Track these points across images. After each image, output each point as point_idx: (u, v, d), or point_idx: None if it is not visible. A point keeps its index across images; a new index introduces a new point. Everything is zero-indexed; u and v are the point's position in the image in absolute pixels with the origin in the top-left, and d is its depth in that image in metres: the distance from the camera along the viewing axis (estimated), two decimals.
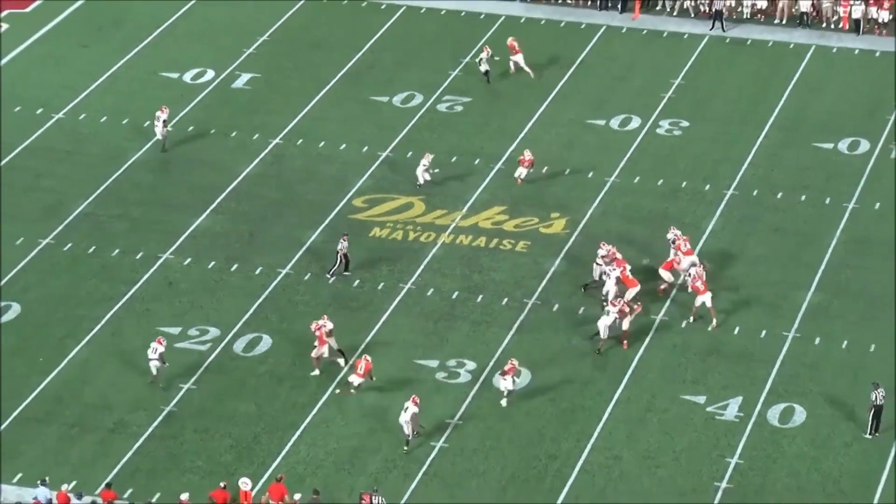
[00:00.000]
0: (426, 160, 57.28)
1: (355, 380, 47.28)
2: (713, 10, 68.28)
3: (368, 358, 47.49)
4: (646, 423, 47.30)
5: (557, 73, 65.28)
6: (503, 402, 47.88)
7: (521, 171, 57.15)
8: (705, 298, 49.90)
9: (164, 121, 58.51)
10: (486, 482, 44.96)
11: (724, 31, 67.63)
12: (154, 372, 47.20)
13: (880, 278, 53.32)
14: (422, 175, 57.02)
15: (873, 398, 46.14)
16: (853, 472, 45.43)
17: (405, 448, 45.76)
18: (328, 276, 52.80)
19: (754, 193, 57.66)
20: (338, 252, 52.84)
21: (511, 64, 64.14)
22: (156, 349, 46.93)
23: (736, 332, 50.94)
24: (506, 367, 47.52)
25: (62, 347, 50.09)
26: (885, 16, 67.23)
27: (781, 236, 55.08)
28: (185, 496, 42.29)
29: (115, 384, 48.58)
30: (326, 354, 47.92)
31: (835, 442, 46.55)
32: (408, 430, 45.74)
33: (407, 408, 45.60)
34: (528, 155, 56.89)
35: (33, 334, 50.76)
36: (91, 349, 50.15)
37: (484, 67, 63.19)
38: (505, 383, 47.60)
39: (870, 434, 46.38)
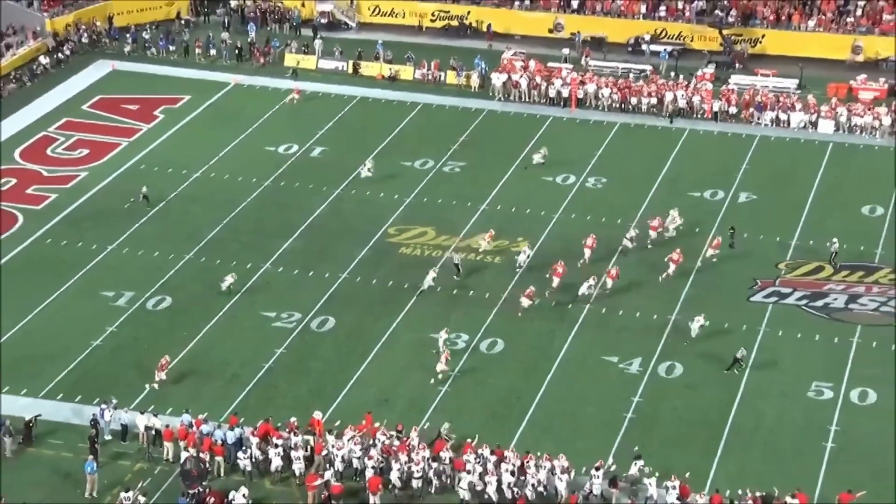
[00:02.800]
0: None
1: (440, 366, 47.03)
2: (624, 106, 68.46)
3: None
4: (580, 377, 47.41)
5: (521, 145, 64.97)
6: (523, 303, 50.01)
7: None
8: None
9: None
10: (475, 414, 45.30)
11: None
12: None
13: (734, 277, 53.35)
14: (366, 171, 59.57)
15: (739, 354, 46.90)
16: (715, 404, 45.58)
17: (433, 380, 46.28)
18: (456, 278, 53.04)
19: (616, 221, 57.31)
20: (456, 264, 53.23)
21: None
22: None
23: (637, 315, 50.83)
24: (526, 291, 49.42)
25: (201, 325, 50.43)
26: (733, 109, 67.43)
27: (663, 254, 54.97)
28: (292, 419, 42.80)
29: (234, 349, 48.91)
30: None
31: (702, 385, 46.72)
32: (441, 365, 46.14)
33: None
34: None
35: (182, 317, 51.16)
36: (220, 326, 50.47)
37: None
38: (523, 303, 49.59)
39: (727, 370, 46.84)
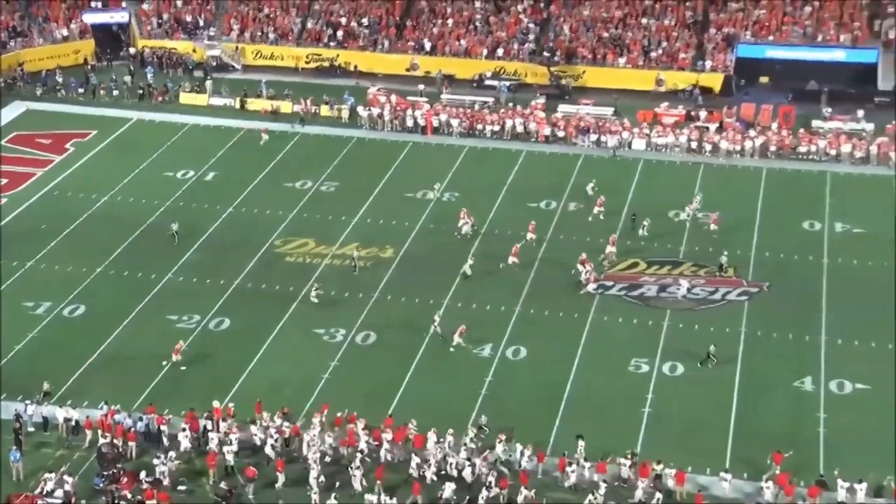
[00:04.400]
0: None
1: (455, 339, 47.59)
2: (471, 132, 68.96)
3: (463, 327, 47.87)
4: (441, 361, 47.40)
5: (386, 167, 64.91)
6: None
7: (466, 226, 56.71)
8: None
9: None
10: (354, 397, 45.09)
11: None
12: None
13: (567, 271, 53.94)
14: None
15: (711, 349, 46.51)
16: (554, 380, 46.03)
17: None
18: (355, 273, 53.08)
19: (496, 232, 57.75)
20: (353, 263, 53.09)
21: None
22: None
23: (488, 307, 51.05)
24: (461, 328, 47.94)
25: (113, 329, 49.47)
26: (561, 133, 68.31)
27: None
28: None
29: (143, 348, 47.88)
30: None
31: (543, 364, 47.16)
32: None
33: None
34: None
35: (95, 322, 49.95)
36: (130, 329, 49.36)
37: None
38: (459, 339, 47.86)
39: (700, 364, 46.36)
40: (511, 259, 53.93)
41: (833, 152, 65.38)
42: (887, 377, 45.50)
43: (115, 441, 41.18)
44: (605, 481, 39.12)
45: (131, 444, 41.52)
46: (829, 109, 70.26)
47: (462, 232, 56.78)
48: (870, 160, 64.78)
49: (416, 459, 40.25)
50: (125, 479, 39.41)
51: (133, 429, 41.80)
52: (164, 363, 46.31)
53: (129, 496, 38.87)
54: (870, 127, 67.85)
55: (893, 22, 75.23)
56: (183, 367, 46.34)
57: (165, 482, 39.53)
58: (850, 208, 59.48)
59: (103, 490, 39.41)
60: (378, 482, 39.16)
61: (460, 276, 52.53)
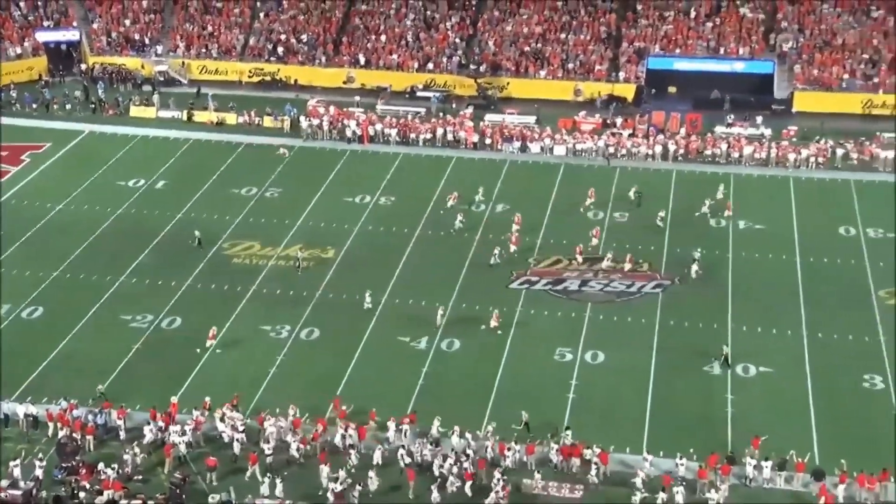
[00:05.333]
0: None
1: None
2: (405, 140, 68.82)
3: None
4: (380, 354, 47.02)
5: (326, 174, 64.45)
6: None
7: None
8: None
9: None
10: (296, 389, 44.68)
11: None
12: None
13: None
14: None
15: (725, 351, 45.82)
16: (486, 370, 45.94)
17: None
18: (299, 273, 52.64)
19: (429, 232, 57.52)
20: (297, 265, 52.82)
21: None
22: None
23: (423, 303, 50.96)
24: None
25: (71, 328, 48.38)
26: (488, 140, 68.20)
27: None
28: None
29: (100, 347, 46.97)
30: None
31: (475, 355, 47.18)
32: None
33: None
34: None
35: (54, 323, 49.01)
36: (87, 328, 48.40)
37: None
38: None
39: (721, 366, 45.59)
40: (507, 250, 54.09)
41: (736, 155, 66.38)
42: (787, 360, 46.30)
43: (73, 434, 40.46)
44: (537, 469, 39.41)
45: (89, 437, 40.88)
46: (731, 116, 71.45)
47: (457, 223, 56.65)
48: (769, 162, 65.86)
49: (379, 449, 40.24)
50: (84, 471, 38.88)
51: (91, 423, 41.14)
52: (198, 350, 46.33)
53: (88, 486, 38.23)
54: (768, 132, 69.14)
55: (787, 36, 76.64)
56: (218, 351, 46.32)
57: (126, 471, 38.91)
58: (752, 206, 60.38)
59: (63, 481, 38.77)
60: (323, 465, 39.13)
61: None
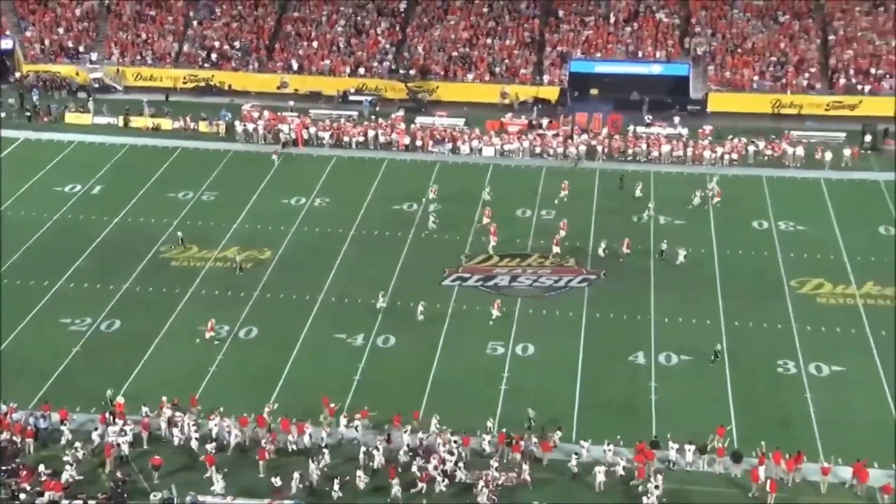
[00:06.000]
0: None
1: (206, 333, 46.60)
2: (338, 143, 68.16)
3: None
4: (317, 352, 46.82)
5: (262, 177, 63.72)
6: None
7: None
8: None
9: None
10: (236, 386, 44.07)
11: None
12: None
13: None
14: None
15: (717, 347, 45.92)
16: (421, 363, 45.76)
17: None
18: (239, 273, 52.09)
19: (363, 233, 57.36)
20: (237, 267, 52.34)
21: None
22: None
23: (359, 300, 50.60)
24: None
25: (9, 332, 46.94)
26: (419, 142, 67.99)
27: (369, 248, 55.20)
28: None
29: (40, 350, 45.94)
30: None
31: (410, 350, 46.63)
32: None
33: None
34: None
35: None
36: (26, 332, 47.12)
37: None
38: None
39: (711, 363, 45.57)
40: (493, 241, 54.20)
41: (655, 153, 67.12)
42: (706, 349, 46.88)
43: (13, 437, 39.46)
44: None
45: (29, 440, 39.87)
46: (650, 116, 72.26)
47: (430, 223, 56.49)
48: (686, 160, 66.72)
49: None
50: (24, 473, 37.89)
51: (31, 426, 40.13)
52: (198, 340, 46.15)
53: (29, 488, 37.26)
54: (685, 131, 70.05)
55: (700, 40, 77.76)
56: (216, 342, 46.06)
57: (70, 473, 37.95)
58: (671, 202, 61.04)
59: (3, 483, 37.77)
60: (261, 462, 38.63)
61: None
